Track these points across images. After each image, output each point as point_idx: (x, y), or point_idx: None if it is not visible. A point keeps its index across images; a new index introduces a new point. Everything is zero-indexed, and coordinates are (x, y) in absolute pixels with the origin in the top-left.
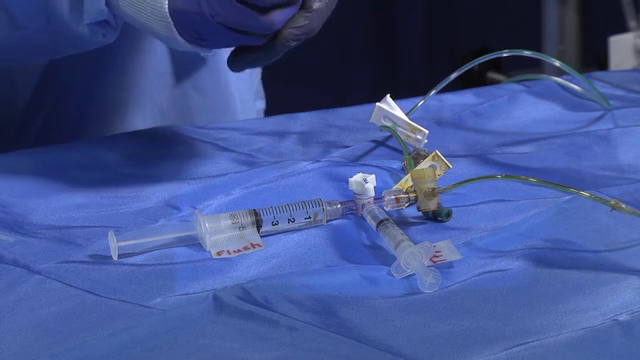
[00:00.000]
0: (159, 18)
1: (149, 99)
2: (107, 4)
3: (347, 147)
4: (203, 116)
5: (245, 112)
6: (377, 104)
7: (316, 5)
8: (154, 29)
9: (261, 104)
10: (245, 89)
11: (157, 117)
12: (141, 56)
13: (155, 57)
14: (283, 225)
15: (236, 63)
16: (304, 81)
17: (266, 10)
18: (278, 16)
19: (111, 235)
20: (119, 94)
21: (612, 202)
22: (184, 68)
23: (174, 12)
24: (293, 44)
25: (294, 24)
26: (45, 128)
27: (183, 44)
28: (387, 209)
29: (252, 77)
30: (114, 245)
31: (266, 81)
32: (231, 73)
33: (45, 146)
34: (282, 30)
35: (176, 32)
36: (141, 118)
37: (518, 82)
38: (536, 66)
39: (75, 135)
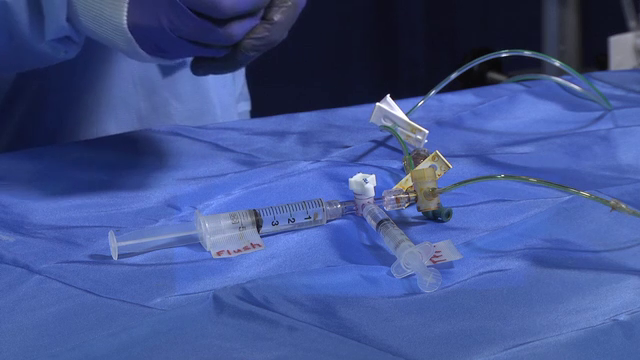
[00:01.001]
0: (119, 33)
1: (125, 105)
2: (68, 20)
3: (347, 147)
4: (182, 123)
5: (225, 117)
6: (377, 104)
7: (277, 17)
8: (116, 43)
9: (246, 105)
10: (226, 93)
11: (135, 123)
12: (117, 62)
13: (131, 63)
14: (283, 225)
15: (198, 69)
16: (304, 81)
17: (225, 22)
18: (237, 28)
19: (111, 235)
20: (94, 99)
21: (612, 202)
22: (162, 74)
23: (133, 27)
24: (252, 54)
25: (254, 35)
26: (20, 131)
27: (145, 57)
28: (387, 209)
29: (235, 81)
30: (114, 245)
31: (266, 81)
32: (211, 78)
33: (44, 146)
34: (242, 40)
35: (137, 46)
36: (116, 124)
37: (518, 82)
38: (536, 66)
39: (51, 139)
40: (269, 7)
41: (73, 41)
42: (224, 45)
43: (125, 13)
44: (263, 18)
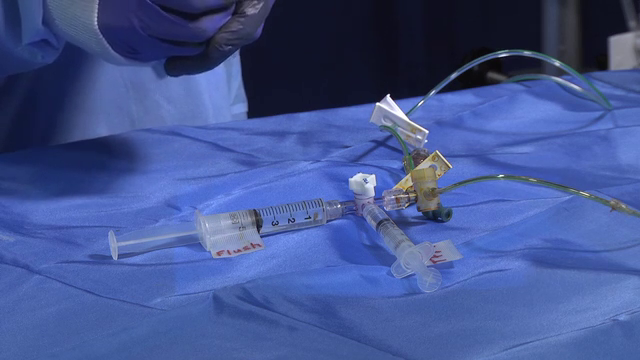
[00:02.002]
0: (91, 35)
1: (116, 108)
2: (44, 23)
3: (347, 147)
4: (175, 125)
5: (218, 119)
6: (377, 104)
7: (250, 11)
8: (90, 46)
9: (242, 107)
10: (219, 96)
11: (127, 126)
12: (108, 65)
13: (123, 66)
14: (283, 225)
15: (172, 69)
16: (304, 81)
17: (195, 17)
18: (208, 23)
19: (111, 235)
20: (85, 102)
21: (612, 202)
22: (154, 77)
23: (104, 28)
24: (227, 49)
25: (227, 29)
26: (11, 134)
27: (119, 59)
28: (387, 209)
29: (230, 83)
30: (114, 245)
31: (265, 81)
32: (203, 81)
33: (43, 147)
34: (215, 35)
35: (109, 48)
36: (108, 127)
37: (518, 82)
38: (536, 66)
39: (43, 142)
40: (241, 1)
41: (51, 45)
42: (197, 42)
43: (95, 14)
44: (235, 13)
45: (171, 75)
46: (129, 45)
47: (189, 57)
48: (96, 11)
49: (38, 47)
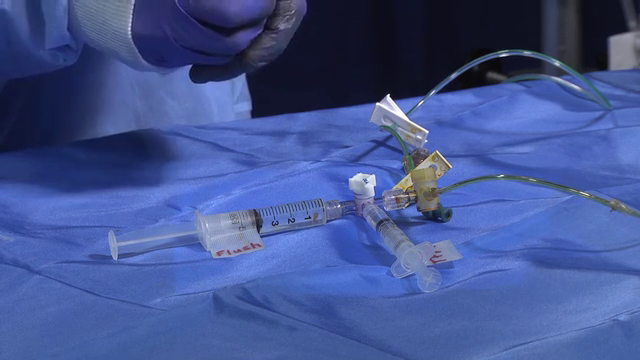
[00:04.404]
0: (123, 43)
1: (122, 105)
2: (69, 29)
3: (347, 147)
4: (179, 121)
5: (222, 116)
6: (377, 104)
7: (282, 26)
8: (118, 53)
9: (246, 105)
10: (222, 93)
11: (132, 123)
12: (114, 63)
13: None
14: (283, 225)
15: (198, 76)
16: (304, 81)
17: (231, 31)
18: (243, 37)
19: (111, 235)
20: (91, 100)
21: (612, 202)
22: (159, 74)
23: (137, 38)
24: (260, 65)
25: (261, 45)
26: (15, 132)
27: (146, 66)
28: (387, 209)
29: (234, 81)
30: (114, 245)
31: (265, 82)
32: None
33: (44, 146)
34: (248, 51)
35: (140, 56)
36: (113, 124)
37: (518, 82)
38: (536, 66)
39: (47, 139)
40: (273, 16)
41: (72, 49)
42: (228, 54)
43: (130, 24)
44: (267, 27)
45: (196, 82)
46: (159, 54)
47: (215, 66)
48: (130, 20)
49: (60, 50)
